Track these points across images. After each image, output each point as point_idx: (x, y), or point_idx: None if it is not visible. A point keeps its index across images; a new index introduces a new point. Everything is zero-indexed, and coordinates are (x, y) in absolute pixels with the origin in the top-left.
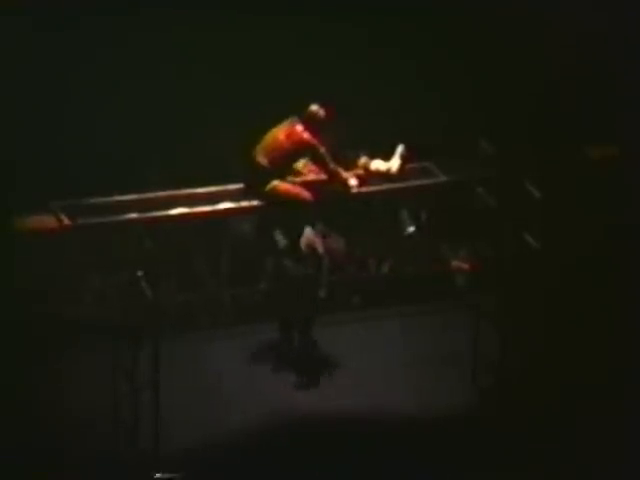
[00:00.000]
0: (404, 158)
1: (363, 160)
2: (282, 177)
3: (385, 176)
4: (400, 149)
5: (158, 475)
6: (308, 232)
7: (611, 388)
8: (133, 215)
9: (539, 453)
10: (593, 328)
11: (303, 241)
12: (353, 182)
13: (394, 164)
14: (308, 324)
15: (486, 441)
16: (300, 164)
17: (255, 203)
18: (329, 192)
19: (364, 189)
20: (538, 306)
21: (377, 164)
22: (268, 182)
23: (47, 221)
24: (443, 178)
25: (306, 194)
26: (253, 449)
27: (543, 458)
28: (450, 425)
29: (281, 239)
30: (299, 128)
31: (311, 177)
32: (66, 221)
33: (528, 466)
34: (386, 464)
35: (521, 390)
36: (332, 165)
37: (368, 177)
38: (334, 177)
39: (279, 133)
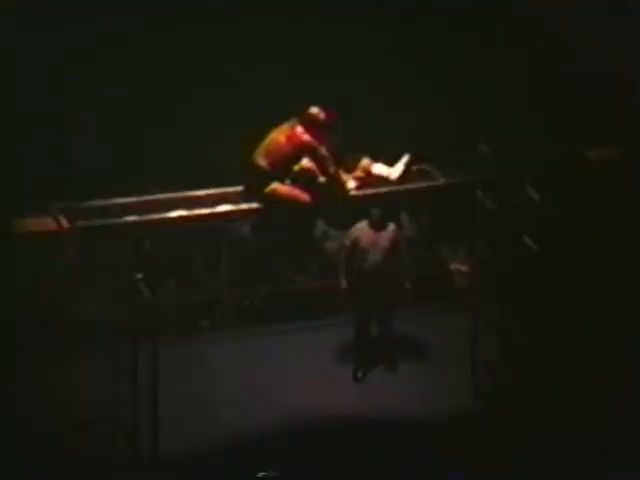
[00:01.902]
0: (407, 167)
1: (365, 162)
2: (282, 179)
3: (385, 181)
4: (405, 158)
5: None
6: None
7: (610, 388)
8: (132, 217)
9: (539, 453)
10: (593, 329)
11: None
12: (351, 185)
13: (395, 171)
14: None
15: (486, 441)
16: (310, 164)
17: (254, 205)
18: (329, 195)
19: (362, 192)
20: (537, 308)
21: (379, 168)
22: (268, 184)
23: (47, 223)
24: (442, 180)
25: (306, 197)
26: (253, 450)
27: (543, 458)
28: (449, 425)
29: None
30: (299, 130)
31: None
32: (65, 223)
33: (528, 466)
34: (385, 464)
35: (520, 391)
36: (332, 168)
37: (368, 180)
38: (333, 180)
39: (279, 135)
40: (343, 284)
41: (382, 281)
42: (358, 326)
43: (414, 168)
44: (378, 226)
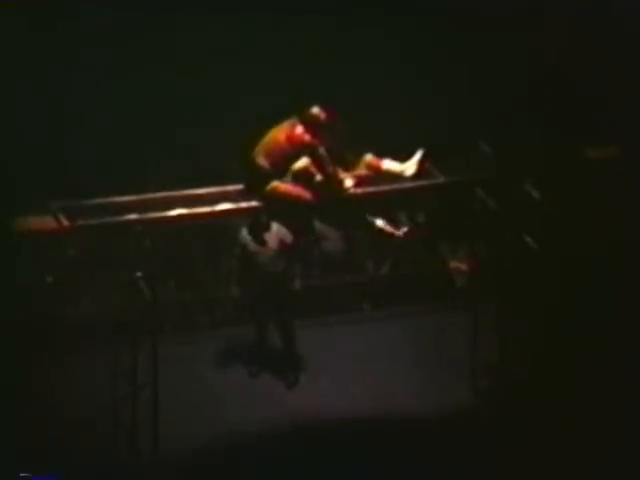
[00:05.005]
0: (421, 164)
1: (369, 158)
2: (282, 178)
3: (397, 178)
4: (419, 154)
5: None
6: (276, 227)
7: (611, 388)
8: (132, 216)
9: (539, 453)
10: (593, 329)
11: (273, 236)
12: (349, 183)
13: (410, 167)
14: (284, 323)
15: (486, 441)
16: (308, 163)
17: (254, 204)
18: (330, 193)
19: (361, 190)
20: (537, 307)
21: (390, 164)
22: (268, 183)
23: (47, 222)
24: (442, 179)
25: (307, 195)
26: (253, 450)
27: (543, 458)
28: (449, 425)
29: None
30: (299, 130)
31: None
32: (65, 222)
33: (528, 466)
34: (385, 464)
35: (520, 391)
36: (330, 167)
37: (374, 176)
38: (331, 178)
39: (279, 134)
40: (235, 292)
41: (272, 284)
42: (256, 332)
43: (426, 165)
44: (264, 229)
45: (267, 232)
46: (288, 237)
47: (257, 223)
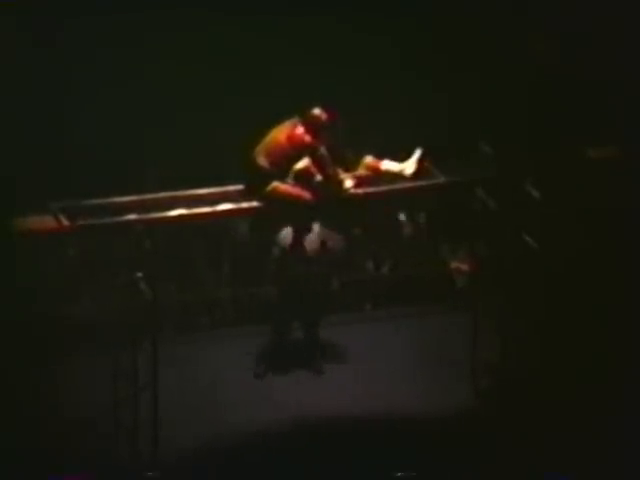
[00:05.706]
0: (420, 163)
1: (369, 159)
2: (282, 178)
3: (396, 178)
4: (417, 153)
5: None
6: (316, 228)
7: (611, 388)
8: (132, 216)
9: (539, 453)
10: (593, 329)
11: (312, 237)
12: (349, 184)
13: (409, 166)
14: (313, 324)
15: (486, 441)
16: (309, 163)
17: (255, 204)
18: (330, 193)
19: (361, 190)
20: (537, 307)
21: (389, 164)
22: (268, 183)
23: (47, 222)
24: (442, 179)
25: (307, 195)
26: (253, 451)
27: (543, 459)
28: (449, 426)
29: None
30: (300, 130)
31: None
32: (65, 222)
33: (528, 466)
34: (384, 465)
35: (520, 391)
36: (331, 168)
37: (374, 177)
38: (331, 179)
39: (280, 134)
40: (272, 292)
41: (310, 285)
42: (279, 330)
43: (425, 164)
44: (303, 231)
45: (309, 234)
46: (331, 238)
47: (300, 226)
